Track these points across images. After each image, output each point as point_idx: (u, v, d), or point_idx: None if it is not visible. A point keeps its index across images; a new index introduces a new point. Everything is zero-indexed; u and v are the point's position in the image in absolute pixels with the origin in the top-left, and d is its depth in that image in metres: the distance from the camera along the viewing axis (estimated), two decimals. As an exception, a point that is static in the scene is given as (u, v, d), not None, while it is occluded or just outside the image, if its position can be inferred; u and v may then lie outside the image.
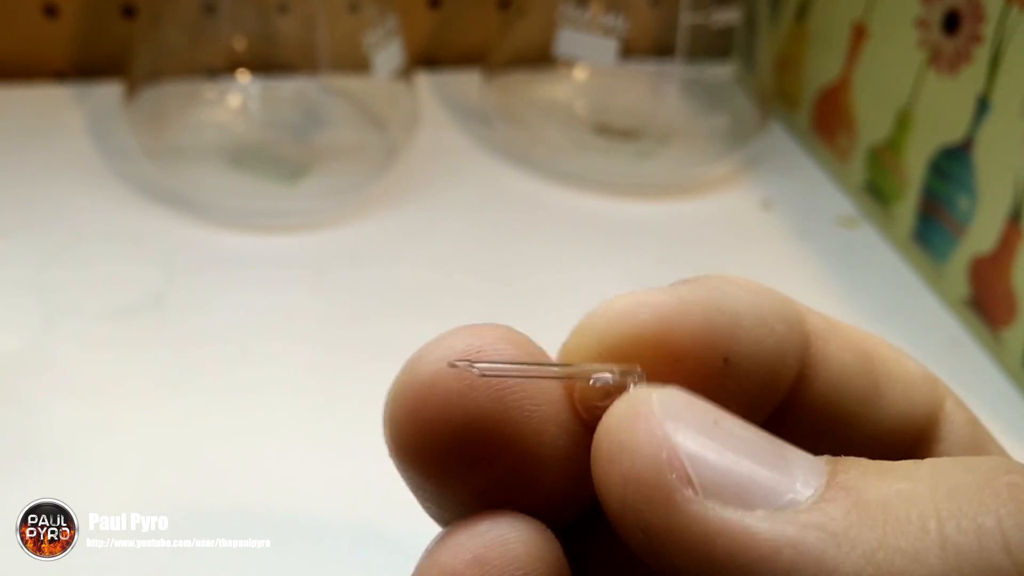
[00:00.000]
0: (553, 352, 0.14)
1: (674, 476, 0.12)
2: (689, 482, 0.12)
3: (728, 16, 0.44)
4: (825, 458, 0.12)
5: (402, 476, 0.14)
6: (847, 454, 0.15)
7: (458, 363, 0.13)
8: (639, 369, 0.13)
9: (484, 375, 0.13)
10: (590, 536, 0.15)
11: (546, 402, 0.14)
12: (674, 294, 0.14)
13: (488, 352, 0.13)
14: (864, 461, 0.12)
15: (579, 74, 0.49)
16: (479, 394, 0.13)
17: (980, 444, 0.16)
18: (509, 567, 0.13)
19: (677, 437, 0.12)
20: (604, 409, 0.13)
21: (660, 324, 0.13)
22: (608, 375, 0.14)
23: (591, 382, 0.14)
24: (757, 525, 0.11)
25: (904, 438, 0.15)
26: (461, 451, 0.13)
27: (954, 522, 0.11)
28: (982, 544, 0.11)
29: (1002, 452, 0.16)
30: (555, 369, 0.14)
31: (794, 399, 0.14)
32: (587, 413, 0.14)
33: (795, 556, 0.11)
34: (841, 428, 0.15)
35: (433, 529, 0.15)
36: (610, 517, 0.12)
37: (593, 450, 0.13)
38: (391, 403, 0.14)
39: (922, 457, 0.15)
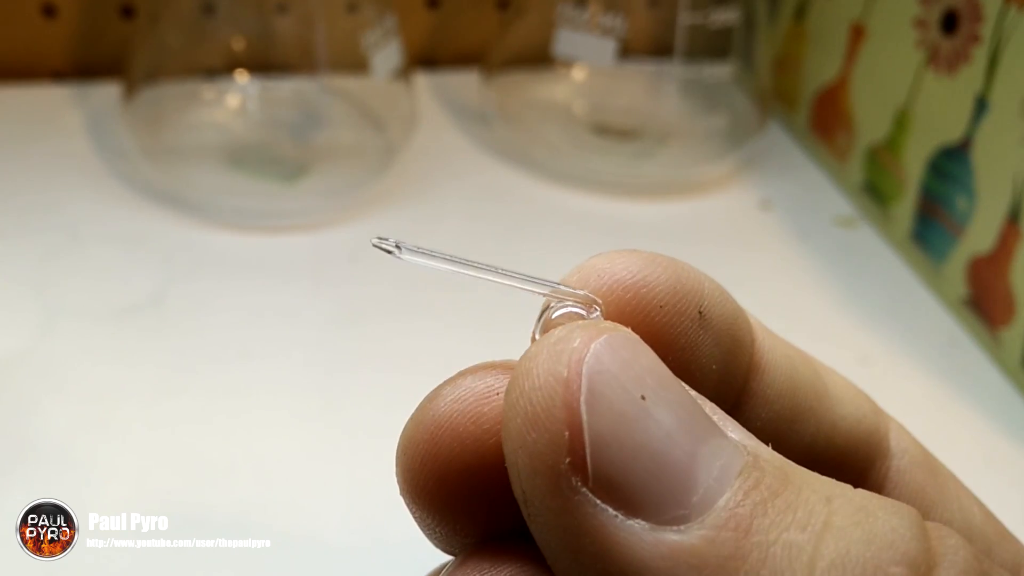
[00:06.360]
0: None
1: (568, 462, 0.11)
2: (583, 471, 0.11)
3: (727, 16, 0.44)
4: (745, 461, 0.11)
5: (412, 514, 0.13)
6: (807, 457, 0.14)
7: (382, 244, 0.13)
8: (600, 302, 0.13)
9: (411, 257, 0.12)
10: None
11: None
12: (643, 253, 0.14)
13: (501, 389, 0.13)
14: (790, 473, 0.11)
15: (578, 74, 0.49)
16: (498, 438, 0.12)
17: (930, 462, 0.15)
18: None
19: (592, 416, 0.11)
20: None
21: (637, 277, 0.13)
22: (570, 307, 0.13)
23: (546, 313, 0.13)
24: (630, 536, 0.11)
25: (858, 449, 0.15)
26: (477, 495, 0.13)
27: None
28: None
29: (951, 475, 0.16)
30: (490, 272, 0.13)
31: (753, 388, 0.14)
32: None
33: None
34: (798, 424, 0.15)
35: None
36: (506, 456, 0.12)
37: (509, 385, 0.12)
38: (405, 443, 0.13)
39: (878, 472, 0.15)
